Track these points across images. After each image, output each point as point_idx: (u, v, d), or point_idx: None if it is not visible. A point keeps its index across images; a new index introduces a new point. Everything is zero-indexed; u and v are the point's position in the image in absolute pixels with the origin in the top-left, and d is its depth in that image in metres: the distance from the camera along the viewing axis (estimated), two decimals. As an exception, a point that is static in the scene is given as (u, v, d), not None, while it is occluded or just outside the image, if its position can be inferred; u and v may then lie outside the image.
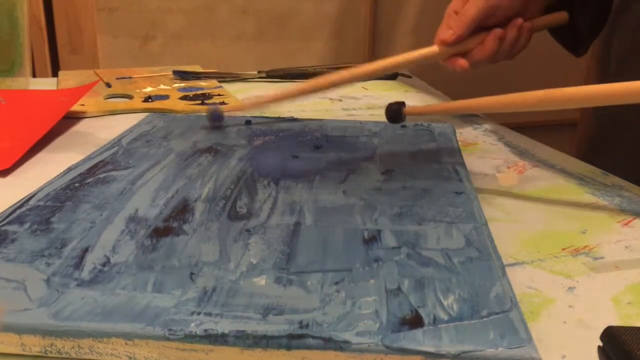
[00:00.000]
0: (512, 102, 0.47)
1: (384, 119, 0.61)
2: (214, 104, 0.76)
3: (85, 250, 0.35)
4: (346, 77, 0.59)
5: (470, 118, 0.73)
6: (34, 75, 1.11)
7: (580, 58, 0.72)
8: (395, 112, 0.59)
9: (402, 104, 0.59)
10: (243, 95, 0.82)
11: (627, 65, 0.68)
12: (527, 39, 0.62)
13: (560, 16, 0.64)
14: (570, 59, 0.69)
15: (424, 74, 1.03)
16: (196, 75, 0.91)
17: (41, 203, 0.42)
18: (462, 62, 0.60)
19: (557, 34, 0.68)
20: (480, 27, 0.60)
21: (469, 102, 0.51)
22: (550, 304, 0.34)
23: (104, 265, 0.34)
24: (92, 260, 0.34)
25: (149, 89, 0.83)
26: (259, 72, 0.94)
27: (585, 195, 0.50)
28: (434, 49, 0.60)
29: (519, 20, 0.60)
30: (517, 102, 0.46)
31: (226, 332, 0.28)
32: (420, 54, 0.60)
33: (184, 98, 0.79)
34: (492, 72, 1.59)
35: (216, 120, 0.63)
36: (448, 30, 0.59)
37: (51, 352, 0.29)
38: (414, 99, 0.82)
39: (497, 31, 0.60)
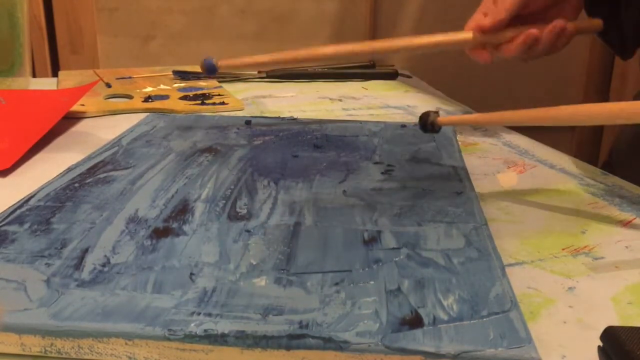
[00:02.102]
0: (553, 116, 0.44)
1: (383, 119, 0.61)
2: (214, 104, 0.76)
3: (85, 251, 0.35)
4: (366, 49, 0.58)
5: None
6: (34, 75, 1.11)
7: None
8: (427, 122, 0.53)
9: (436, 113, 0.53)
10: (243, 96, 0.83)
11: None
12: (566, 41, 0.59)
13: (595, 24, 0.61)
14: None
15: (424, 74, 1.03)
16: (196, 75, 0.91)
17: (41, 203, 0.42)
18: (486, 56, 0.58)
19: (603, 35, 0.66)
20: (521, 15, 0.57)
21: (507, 114, 0.48)
22: (550, 304, 0.34)
23: (104, 265, 0.34)
24: (92, 261, 0.34)
25: (149, 89, 0.83)
26: (259, 72, 0.94)
27: (585, 195, 0.50)
28: (467, 34, 0.58)
29: (559, 25, 0.57)
30: (560, 117, 0.44)
31: (226, 332, 0.28)
32: (452, 39, 0.58)
33: (184, 98, 0.79)
34: (493, 72, 1.59)
35: (210, 71, 0.61)
36: (486, 17, 0.57)
37: (51, 352, 0.29)
38: (414, 99, 0.82)
39: (530, 33, 0.56)
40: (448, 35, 0.58)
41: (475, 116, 0.52)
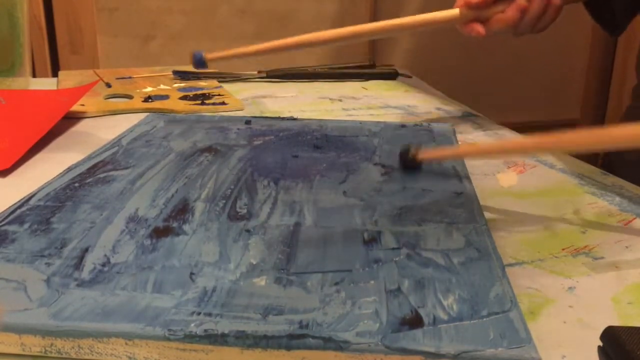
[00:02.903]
0: (541, 146, 0.43)
1: (383, 119, 0.60)
2: (214, 103, 0.76)
3: (85, 251, 0.35)
4: (353, 32, 0.57)
5: (469, 118, 0.73)
6: (34, 75, 1.11)
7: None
8: (407, 160, 0.51)
9: (416, 147, 0.51)
10: (243, 96, 0.83)
11: None
12: (553, 15, 0.59)
13: None
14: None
15: (424, 74, 1.03)
16: (196, 75, 0.91)
17: (41, 203, 0.42)
18: (479, 28, 0.57)
19: (593, 12, 0.65)
20: None
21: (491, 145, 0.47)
22: (550, 304, 0.34)
23: (104, 265, 0.34)
24: (92, 261, 0.34)
25: (149, 89, 0.83)
26: (259, 72, 0.94)
27: (585, 195, 0.50)
28: (454, 11, 0.58)
29: None
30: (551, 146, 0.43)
31: (226, 332, 0.28)
32: (440, 16, 0.57)
33: (184, 98, 0.79)
34: (493, 72, 1.59)
35: (199, 65, 0.60)
36: None
37: (51, 352, 0.29)
38: (414, 99, 0.82)
39: (520, 2, 0.56)
40: (437, 13, 0.58)
41: (458, 149, 0.51)
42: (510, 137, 0.45)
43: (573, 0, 0.61)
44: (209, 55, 0.60)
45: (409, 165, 0.50)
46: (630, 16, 0.65)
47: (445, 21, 0.58)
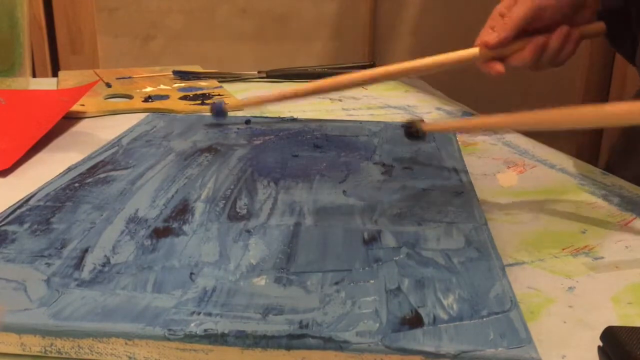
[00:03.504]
0: (542, 120, 0.44)
1: (383, 119, 0.61)
2: (214, 103, 0.76)
3: (85, 251, 0.35)
4: (374, 75, 0.58)
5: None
6: (34, 75, 1.11)
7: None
8: (411, 131, 0.54)
9: (419, 121, 0.54)
10: (243, 96, 0.82)
11: None
12: (573, 48, 0.59)
13: (598, 27, 0.60)
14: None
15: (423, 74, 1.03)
16: (196, 75, 0.91)
17: (41, 203, 0.42)
18: (499, 67, 0.58)
19: (614, 41, 0.66)
20: (527, 30, 0.57)
21: (493, 119, 0.48)
22: (550, 304, 0.34)
23: (104, 265, 0.34)
24: (92, 261, 0.34)
25: (149, 89, 0.83)
26: (259, 72, 0.94)
27: (585, 195, 0.50)
28: (474, 51, 0.58)
29: (565, 29, 0.57)
30: (550, 120, 0.44)
31: (226, 332, 0.28)
32: (460, 56, 0.58)
33: (184, 98, 0.79)
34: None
35: (220, 116, 0.63)
36: (492, 32, 0.57)
37: (51, 352, 0.29)
38: (414, 99, 0.82)
39: (539, 40, 0.57)
40: (456, 53, 0.58)
41: (459, 121, 0.52)
42: (514, 114, 0.46)
43: (593, 35, 0.61)
44: (229, 106, 0.64)
45: (414, 135, 0.53)
46: None
47: (464, 60, 0.58)
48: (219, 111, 0.64)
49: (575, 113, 0.42)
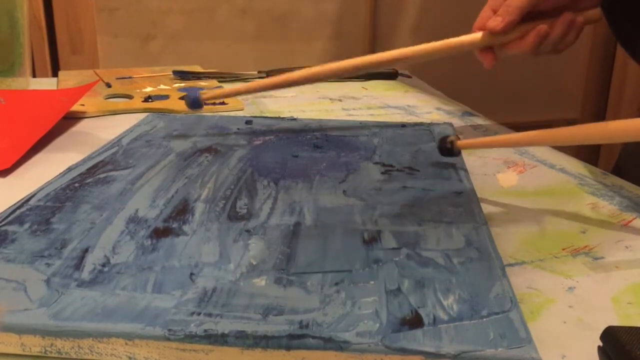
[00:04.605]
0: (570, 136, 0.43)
1: (383, 119, 0.60)
2: (214, 103, 0.76)
3: (85, 251, 0.35)
4: (370, 62, 0.56)
5: (469, 118, 0.73)
6: (34, 75, 1.11)
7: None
8: (446, 148, 0.52)
9: (455, 138, 0.52)
10: (243, 96, 0.82)
11: None
12: (576, 35, 0.57)
13: (593, 14, 0.59)
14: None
15: (424, 74, 1.03)
16: (196, 75, 0.91)
17: (41, 203, 0.42)
18: (490, 60, 0.56)
19: (621, 37, 0.65)
20: (531, 12, 0.55)
21: (528, 135, 0.47)
22: (550, 304, 0.34)
23: (104, 265, 0.34)
24: (92, 261, 0.34)
25: (149, 89, 0.83)
26: (259, 72, 0.94)
27: (585, 195, 0.50)
28: (476, 36, 0.56)
29: (569, 17, 0.56)
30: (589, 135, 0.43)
31: (226, 332, 0.28)
32: (462, 42, 0.56)
33: (184, 98, 0.78)
34: (493, 72, 1.59)
35: (195, 107, 0.61)
36: (496, 17, 0.55)
37: (51, 352, 0.29)
38: (414, 99, 0.82)
39: (541, 28, 0.55)
40: (458, 38, 0.56)
41: (493, 139, 0.51)
42: (546, 130, 0.45)
43: (594, 20, 0.59)
44: (205, 95, 0.61)
45: (448, 154, 0.52)
46: None
47: (465, 46, 0.56)
48: (195, 101, 0.61)
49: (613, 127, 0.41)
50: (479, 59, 0.58)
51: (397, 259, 0.35)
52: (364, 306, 0.30)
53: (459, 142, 0.51)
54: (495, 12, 0.56)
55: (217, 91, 0.63)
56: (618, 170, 0.69)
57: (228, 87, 0.87)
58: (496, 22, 0.55)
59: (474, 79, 1.53)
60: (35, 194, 0.44)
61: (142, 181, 0.47)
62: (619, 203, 0.48)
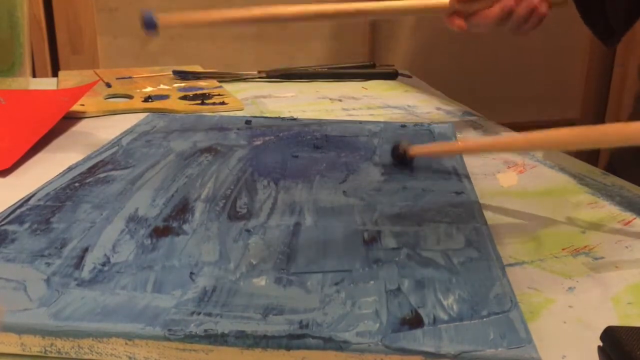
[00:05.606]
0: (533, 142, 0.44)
1: (383, 119, 0.60)
2: (214, 103, 0.76)
3: (85, 250, 0.35)
4: (333, 11, 0.56)
5: (469, 118, 0.73)
6: (34, 75, 1.11)
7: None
8: (398, 155, 0.52)
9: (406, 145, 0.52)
10: (243, 96, 0.83)
11: None
12: (537, 21, 0.60)
13: None
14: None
15: (424, 74, 1.03)
16: (196, 75, 0.91)
17: (41, 203, 0.42)
18: (460, 23, 0.59)
19: (589, 22, 0.66)
20: None
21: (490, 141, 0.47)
22: (550, 304, 0.34)
23: (104, 265, 0.34)
24: (92, 260, 0.34)
25: (149, 89, 0.83)
26: (259, 72, 0.94)
27: (585, 195, 0.50)
28: (444, 1, 0.58)
29: (534, 1, 0.58)
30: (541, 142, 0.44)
31: (226, 332, 0.28)
32: (428, 3, 0.58)
33: (184, 98, 0.79)
34: (493, 72, 1.59)
35: (150, 28, 0.56)
36: None
37: (51, 352, 0.29)
38: (414, 99, 0.82)
39: (508, 2, 0.57)
40: (424, 0, 0.58)
41: (448, 146, 0.51)
42: (504, 135, 0.45)
43: (561, 3, 0.62)
44: (163, 18, 0.55)
45: (400, 160, 0.52)
46: (625, 25, 0.65)
47: (432, 9, 0.58)
48: (149, 22, 0.56)
49: (565, 135, 0.41)
50: (448, 25, 0.60)
51: (397, 258, 0.35)
52: (364, 306, 0.30)
53: (413, 150, 0.51)
54: None
55: (177, 17, 0.58)
56: (612, 170, 0.69)
57: (227, 87, 0.87)
58: None
59: (474, 79, 1.53)
60: (35, 193, 0.44)
61: (142, 181, 0.47)
62: (619, 203, 0.48)
